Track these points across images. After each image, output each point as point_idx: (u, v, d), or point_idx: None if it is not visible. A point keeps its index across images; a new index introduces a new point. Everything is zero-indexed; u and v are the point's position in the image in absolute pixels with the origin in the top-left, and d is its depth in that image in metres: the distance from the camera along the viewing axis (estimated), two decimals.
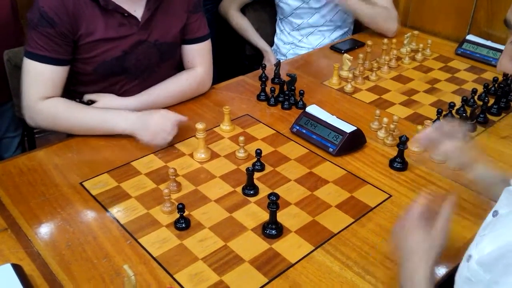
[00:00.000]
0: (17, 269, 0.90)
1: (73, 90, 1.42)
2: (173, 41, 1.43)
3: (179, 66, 1.53)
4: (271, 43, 2.19)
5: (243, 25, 2.15)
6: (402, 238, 0.86)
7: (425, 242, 0.82)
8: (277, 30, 2.18)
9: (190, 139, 1.33)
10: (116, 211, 1.09)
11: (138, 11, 1.33)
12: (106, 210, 1.09)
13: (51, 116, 1.30)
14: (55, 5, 1.23)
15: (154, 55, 1.39)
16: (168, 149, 1.30)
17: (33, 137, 1.74)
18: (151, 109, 1.33)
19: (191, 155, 1.27)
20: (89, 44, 1.30)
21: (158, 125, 1.28)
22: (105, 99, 1.37)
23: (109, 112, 1.32)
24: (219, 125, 1.38)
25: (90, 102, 1.37)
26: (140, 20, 1.33)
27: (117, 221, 1.06)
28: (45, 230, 1.04)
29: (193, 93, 1.49)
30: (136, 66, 1.32)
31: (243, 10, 2.20)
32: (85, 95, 1.39)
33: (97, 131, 1.31)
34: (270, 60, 2.07)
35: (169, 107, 1.44)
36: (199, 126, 1.22)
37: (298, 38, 2.09)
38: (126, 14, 1.31)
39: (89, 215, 1.08)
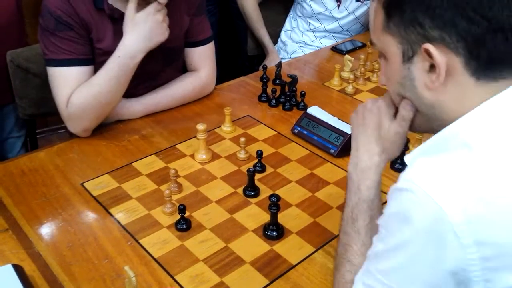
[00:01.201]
0: (18, 269, 0.90)
1: None
2: (177, 45, 1.44)
3: (183, 69, 1.53)
4: (273, 42, 2.19)
5: (255, 16, 2.13)
6: (358, 124, 0.86)
7: (377, 145, 0.83)
8: (288, 27, 2.18)
9: (191, 140, 1.33)
10: (117, 212, 1.09)
11: None
12: (107, 211, 1.09)
13: (82, 106, 1.26)
14: (67, 9, 1.23)
15: (159, 59, 1.39)
16: (169, 149, 1.30)
17: (35, 138, 1.75)
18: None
19: (192, 156, 1.27)
20: (98, 50, 1.30)
21: (152, 26, 1.26)
22: None
23: (113, 59, 1.25)
24: (220, 126, 1.38)
25: None
26: None
27: (118, 222, 1.06)
28: (46, 230, 1.04)
29: (196, 95, 1.49)
30: (141, 70, 1.33)
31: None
32: None
33: (122, 77, 1.27)
34: (273, 60, 2.07)
35: (171, 109, 1.44)
36: (200, 127, 1.23)
37: (312, 39, 2.09)
38: None
39: (90, 216, 1.08)
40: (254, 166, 1.21)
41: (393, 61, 0.72)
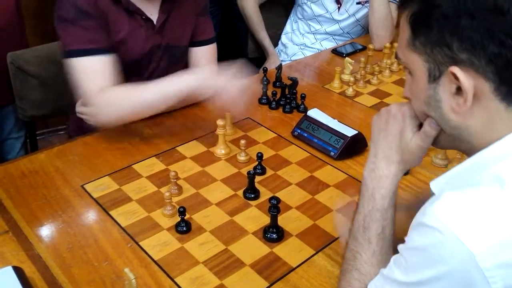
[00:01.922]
0: (18, 271, 0.90)
1: None
2: (184, 44, 1.44)
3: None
4: (274, 44, 2.20)
5: (256, 18, 2.13)
6: (380, 129, 0.82)
7: (397, 153, 0.79)
8: (288, 29, 2.18)
9: (191, 142, 1.34)
10: (117, 214, 1.09)
11: (154, 15, 1.34)
12: (107, 213, 1.09)
13: (113, 105, 1.26)
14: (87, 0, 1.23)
15: (165, 59, 1.40)
16: (169, 152, 1.30)
17: (35, 139, 1.75)
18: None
19: (193, 158, 1.27)
20: (114, 42, 1.30)
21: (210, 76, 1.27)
22: None
23: (168, 79, 1.26)
24: None
25: None
26: (155, 23, 1.34)
27: (118, 224, 1.06)
28: (46, 232, 1.04)
29: (196, 98, 1.49)
30: (148, 69, 1.33)
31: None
32: None
33: (162, 103, 1.26)
34: (274, 62, 2.07)
35: (172, 110, 1.44)
36: (220, 122, 1.24)
37: (312, 41, 2.09)
38: (144, 17, 1.32)
39: (90, 218, 1.09)
40: (254, 168, 1.21)
41: (419, 79, 0.69)
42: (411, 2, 0.68)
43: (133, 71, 1.36)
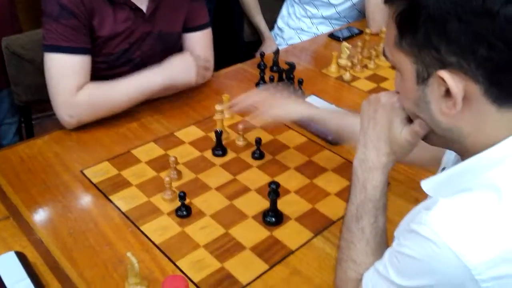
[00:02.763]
0: (21, 257, 0.91)
1: None
2: (177, 31, 1.43)
3: None
4: (270, 28, 2.19)
5: (252, 2, 2.13)
6: (369, 117, 0.80)
7: (386, 144, 0.77)
8: (284, 13, 2.17)
9: (190, 127, 1.34)
10: (117, 199, 1.09)
11: (143, 4, 1.33)
12: (107, 198, 1.10)
13: (90, 105, 1.28)
14: None
15: (158, 46, 1.39)
16: (168, 137, 1.30)
17: (30, 124, 1.74)
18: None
19: (192, 143, 1.28)
20: (99, 37, 1.30)
21: (183, 65, 1.38)
22: None
23: (140, 76, 1.32)
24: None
25: None
26: (145, 12, 1.33)
27: (119, 209, 1.07)
28: (46, 218, 1.05)
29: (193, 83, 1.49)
30: (141, 57, 1.33)
31: None
32: None
33: (139, 100, 1.34)
34: (270, 47, 2.07)
35: (170, 95, 1.45)
36: (218, 107, 1.25)
37: (309, 25, 2.09)
38: (133, 7, 1.31)
39: (91, 203, 1.09)
40: (253, 153, 1.22)
41: (407, 79, 0.66)
42: (396, 0, 0.64)
43: (125, 59, 1.36)
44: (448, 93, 0.62)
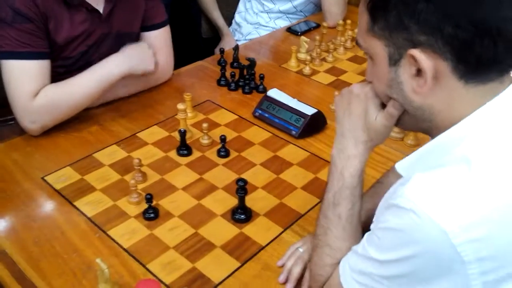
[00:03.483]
0: None
1: None
2: (134, 31, 1.41)
3: None
4: (227, 24, 2.19)
5: None
6: (343, 109, 0.83)
7: (363, 132, 0.80)
8: (242, 8, 2.17)
9: (152, 128, 1.33)
10: (82, 205, 1.07)
11: (100, 5, 1.31)
12: (72, 204, 1.07)
13: (51, 107, 1.24)
14: (26, 1, 1.18)
15: (115, 47, 1.36)
16: (130, 138, 1.28)
17: None
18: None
19: (154, 144, 1.26)
20: (56, 41, 1.26)
21: (139, 52, 1.36)
22: None
23: (96, 68, 1.29)
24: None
25: None
26: (102, 13, 1.31)
27: (84, 214, 1.05)
28: (9, 228, 1.02)
29: (153, 83, 1.48)
30: (100, 59, 1.30)
31: None
32: None
33: (100, 94, 1.31)
34: (229, 43, 2.07)
35: (130, 96, 1.43)
36: (180, 106, 1.24)
37: (266, 20, 2.09)
38: (89, 8, 1.28)
39: (55, 210, 1.07)
40: (218, 151, 1.22)
41: (379, 63, 0.71)
42: None
43: (84, 62, 1.33)
44: (419, 72, 0.66)
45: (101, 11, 1.31)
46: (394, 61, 0.69)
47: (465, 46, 0.63)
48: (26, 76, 1.22)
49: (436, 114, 0.69)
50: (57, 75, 1.30)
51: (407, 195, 0.64)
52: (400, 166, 0.73)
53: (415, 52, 0.65)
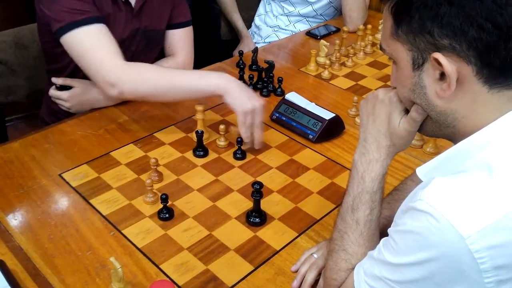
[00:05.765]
0: (0, 264, 0.89)
1: (52, 71, 1.39)
2: (161, 28, 1.42)
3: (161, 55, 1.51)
4: (247, 26, 2.18)
5: (229, 1, 2.12)
6: (368, 114, 0.83)
7: (386, 137, 0.80)
8: (262, 11, 2.17)
9: (169, 128, 1.33)
10: (98, 203, 1.07)
11: None
12: (88, 201, 1.08)
13: (139, 79, 1.22)
14: None
15: (141, 43, 1.37)
16: (147, 138, 1.29)
17: (4, 127, 1.70)
18: None
19: (171, 144, 1.26)
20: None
21: (243, 90, 1.22)
22: (83, 84, 1.34)
23: (198, 74, 1.28)
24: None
25: (65, 88, 1.34)
26: (134, 7, 1.32)
27: (99, 212, 1.05)
28: (25, 223, 1.03)
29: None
30: (124, 53, 1.31)
31: None
32: (57, 79, 1.35)
33: (184, 93, 1.25)
34: (247, 45, 2.06)
35: None
36: (198, 107, 1.23)
37: (286, 23, 2.09)
38: (124, 0, 1.30)
39: (70, 207, 1.07)
40: (235, 153, 1.22)
41: (403, 67, 0.71)
42: None
43: None
44: (442, 76, 0.66)
45: (133, 4, 1.32)
46: (417, 65, 0.68)
47: (489, 50, 0.62)
48: (101, 40, 1.20)
49: (459, 119, 0.68)
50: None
51: (425, 198, 0.63)
52: (420, 171, 0.73)
53: (439, 56, 0.64)
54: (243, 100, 1.19)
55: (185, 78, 1.24)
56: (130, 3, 1.31)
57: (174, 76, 1.24)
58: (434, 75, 0.67)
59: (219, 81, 1.21)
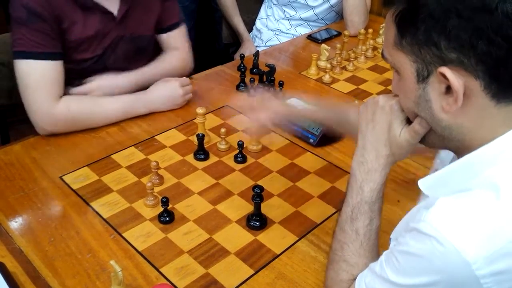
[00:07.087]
0: (0, 267, 0.89)
1: None
2: (148, 33, 1.42)
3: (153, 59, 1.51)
4: (248, 30, 2.19)
5: (230, 3, 2.12)
6: (367, 120, 0.80)
7: (385, 146, 0.78)
8: (263, 15, 2.17)
9: (170, 131, 1.33)
10: (98, 206, 1.07)
11: (114, 7, 1.31)
12: (88, 204, 1.08)
13: (71, 120, 1.27)
14: (40, 0, 1.19)
15: (130, 50, 1.38)
16: (148, 141, 1.29)
17: (6, 129, 1.70)
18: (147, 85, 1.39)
19: (172, 147, 1.26)
20: (70, 41, 1.27)
21: (169, 94, 1.38)
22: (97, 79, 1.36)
23: (125, 98, 1.34)
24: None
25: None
26: (116, 16, 1.32)
27: (100, 215, 1.05)
28: (26, 226, 1.03)
29: (177, 72, 1.47)
30: (114, 62, 1.31)
31: None
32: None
33: (117, 120, 1.34)
34: (248, 48, 2.07)
35: None
36: (199, 111, 1.24)
37: (287, 27, 2.09)
38: (103, 11, 1.29)
39: (71, 209, 1.07)
40: (235, 156, 1.22)
41: (406, 78, 0.67)
42: (396, 0, 0.66)
43: (101, 66, 1.34)
44: (448, 90, 0.63)
45: (115, 13, 1.32)
46: (422, 78, 0.65)
47: (498, 64, 0.59)
48: (45, 79, 1.22)
49: (465, 133, 0.66)
50: (75, 79, 1.31)
51: (430, 221, 0.61)
52: (423, 184, 0.70)
53: (445, 70, 0.62)
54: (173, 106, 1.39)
55: (114, 110, 1.32)
56: (111, 12, 1.31)
57: (104, 108, 1.31)
58: (440, 89, 0.64)
59: (145, 111, 1.37)
